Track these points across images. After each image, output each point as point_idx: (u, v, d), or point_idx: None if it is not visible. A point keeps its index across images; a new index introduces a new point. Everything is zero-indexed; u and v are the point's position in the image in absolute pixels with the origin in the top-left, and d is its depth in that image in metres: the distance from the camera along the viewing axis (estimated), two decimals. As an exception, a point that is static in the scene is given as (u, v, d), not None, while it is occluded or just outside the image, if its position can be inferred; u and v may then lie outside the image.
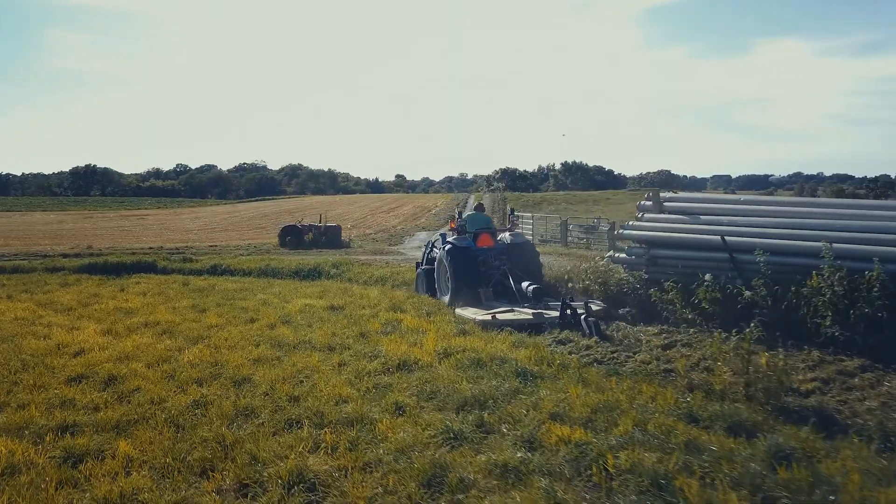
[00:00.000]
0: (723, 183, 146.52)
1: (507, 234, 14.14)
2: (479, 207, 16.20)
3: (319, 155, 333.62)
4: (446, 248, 13.25)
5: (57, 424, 6.43)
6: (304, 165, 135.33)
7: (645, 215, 10.77)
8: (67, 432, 6.29)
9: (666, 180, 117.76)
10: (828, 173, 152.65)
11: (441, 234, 15.30)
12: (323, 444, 5.85)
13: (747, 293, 8.66)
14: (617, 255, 11.23)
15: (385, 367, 8.26)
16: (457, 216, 14.78)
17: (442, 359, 8.52)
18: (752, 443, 5.59)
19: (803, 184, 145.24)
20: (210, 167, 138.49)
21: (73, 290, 16.83)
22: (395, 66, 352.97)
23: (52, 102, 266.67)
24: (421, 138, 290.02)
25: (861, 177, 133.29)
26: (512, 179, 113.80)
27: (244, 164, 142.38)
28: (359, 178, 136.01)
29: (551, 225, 32.31)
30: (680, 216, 10.43)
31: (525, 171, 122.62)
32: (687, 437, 5.68)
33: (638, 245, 10.63)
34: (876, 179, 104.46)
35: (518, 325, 10.32)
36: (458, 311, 11.69)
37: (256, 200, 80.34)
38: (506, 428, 6.09)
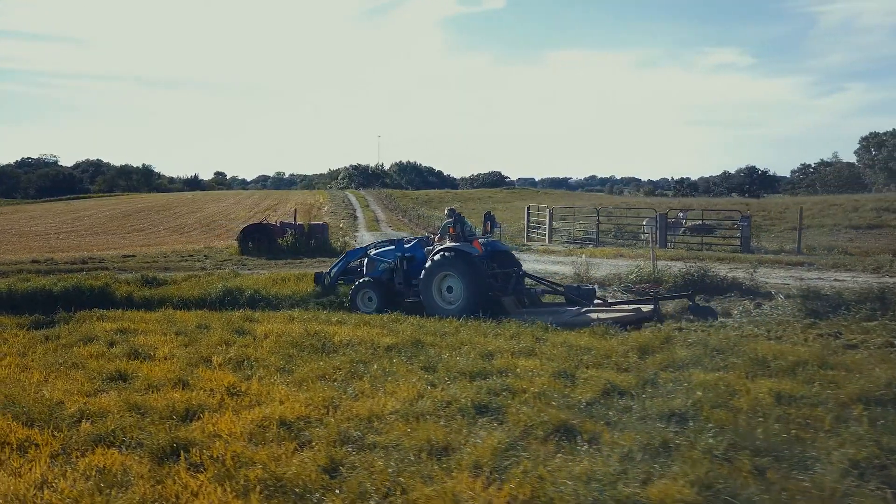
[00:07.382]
0: (528, 185, 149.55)
1: (483, 239, 13.53)
2: (454, 212, 14.71)
3: (118, 151, 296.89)
4: (451, 255, 12.15)
5: None
6: (105, 161, 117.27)
7: None
8: None
9: (497, 182, 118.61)
10: (618, 176, 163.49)
11: (397, 241, 14.19)
12: None
13: None
14: None
15: None
16: (455, 223, 13.31)
17: None
18: None
19: (612, 185, 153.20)
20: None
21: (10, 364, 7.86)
22: (196, 61, 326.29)
23: None
24: (227, 136, 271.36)
25: (646, 179, 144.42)
26: (365, 177, 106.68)
27: (29, 158, 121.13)
28: (173, 176, 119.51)
29: (581, 223, 27.18)
30: None
31: (377, 167, 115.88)
32: None
33: None
34: (681, 181, 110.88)
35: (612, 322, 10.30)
36: None
37: (84, 198, 65.19)
38: None
